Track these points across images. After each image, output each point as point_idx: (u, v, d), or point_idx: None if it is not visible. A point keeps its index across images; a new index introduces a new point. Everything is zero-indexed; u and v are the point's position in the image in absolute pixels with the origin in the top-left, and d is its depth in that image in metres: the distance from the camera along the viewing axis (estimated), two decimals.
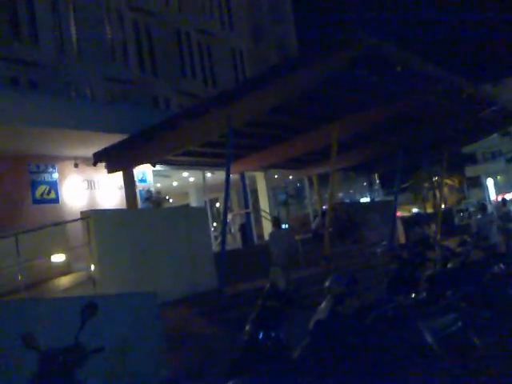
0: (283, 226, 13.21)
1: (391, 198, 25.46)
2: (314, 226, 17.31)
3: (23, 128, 11.34)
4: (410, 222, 20.14)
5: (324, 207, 18.85)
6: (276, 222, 11.21)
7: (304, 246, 13.70)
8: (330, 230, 12.96)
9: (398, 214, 21.33)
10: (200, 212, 12.33)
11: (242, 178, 17.05)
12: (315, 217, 18.99)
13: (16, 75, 18.14)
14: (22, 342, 2.99)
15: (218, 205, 22.31)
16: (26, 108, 11.30)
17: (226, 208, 10.75)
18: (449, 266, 6.87)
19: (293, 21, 32.54)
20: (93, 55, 20.57)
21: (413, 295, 4.67)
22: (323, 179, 20.14)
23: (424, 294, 4.70)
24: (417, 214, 30.14)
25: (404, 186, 27.19)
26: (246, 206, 17.46)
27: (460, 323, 4.55)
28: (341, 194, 24.76)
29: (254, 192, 19.33)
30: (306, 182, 21.66)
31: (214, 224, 19.98)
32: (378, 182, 29.23)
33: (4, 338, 4.20)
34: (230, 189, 10.83)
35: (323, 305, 4.81)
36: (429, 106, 12.69)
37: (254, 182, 19.10)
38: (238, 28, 28.60)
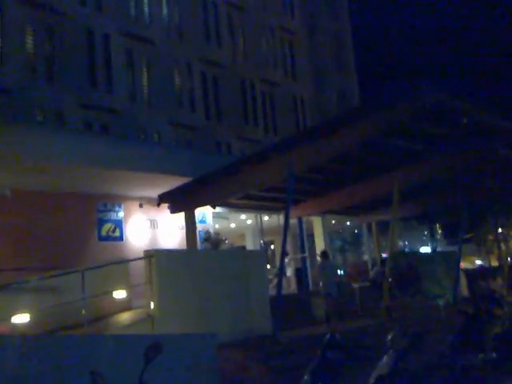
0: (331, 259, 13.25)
1: (454, 248, 24.49)
2: (372, 274, 16.88)
3: (93, 170, 11.98)
4: (474, 275, 19.24)
5: (383, 255, 18.41)
6: (323, 255, 11.86)
7: (362, 294, 13.39)
8: (390, 279, 12.62)
9: (461, 265, 20.42)
10: (258, 255, 12.38)
11: (300, 222, 17.05)
12: (373, 265, 18.55)
13: (90, 120, 19.40)
14: (90, 378, 3.08)
15: (272, 247, 22.29)
16: (98, 151, 11.98)
17: (284, 252, 10.77)
18: None
19: (354, 70, 33.00)
20: (162, 102, 21.75)
21: (481, 355, 4.45)
22: (382, 226, 19.77)
23: (494, 355, 4.46)
24: (481, 267, 28.73)
25: (467, 236, 26.13)
26: (303, 251, 17.36)
27: None
28: (401, 243, 24.10)
29: (310, 236, 19.22)
30: (365, 229, 21.30)
31: (268, 266, 19.93)
32: (439, 231, 28.20)
33: (69, 372, 4.35)
34: (288, 233, 10.86)
35: (385, 359, 4.68)
36: (494, 156, 12.33)
37: (310, 226, 19.02)
38: (300, 77, 29.34)
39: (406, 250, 24.26)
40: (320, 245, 18.86)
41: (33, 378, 4.13)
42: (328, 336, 4.82)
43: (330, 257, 13.18)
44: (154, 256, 8.82)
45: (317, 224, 19.03)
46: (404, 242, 25.85)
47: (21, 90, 17.40)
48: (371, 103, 10.51)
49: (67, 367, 4.33)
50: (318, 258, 13.64)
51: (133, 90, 21.32)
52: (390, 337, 4.84)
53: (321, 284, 11.36)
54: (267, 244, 19.93)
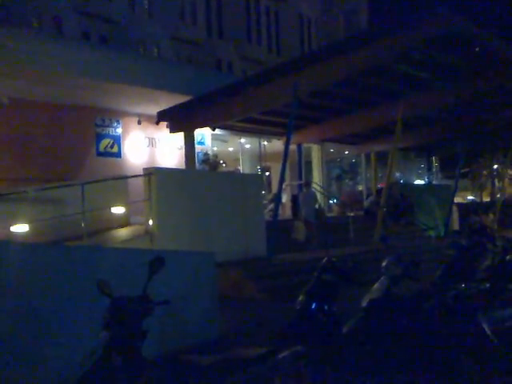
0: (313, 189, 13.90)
1: (449, 182, 24.69)
2: (366, 203, 17.08)
3: (92, 81, 11.65)
4: (466, 210, 19.56)
5: (379, 185, 18.53)
6: (306, 184, 12.98)
7: (355, 223, 13.60)
8: (385, 209, 12.78)
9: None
10: (255, 179, 12.40)
11: (299, 149, 16.93)
12: (368, 195, 18.71)
13: (88, 29, 18.62)
14: (96, 287, 3.12)
15: (267, 174, 22.27)
16: (96, 62, 11.60)
17: (283, 177, 10.75)
18: (508, 258, 6.65)
19: None
20: (163, 15, 20.83)
21: (474, 284, 4.59)
22: (379, 157, 19.71)
23: (487, 285, 4.61)
24: (473, 202, 29.13)
25: (463, 171, 26.29)
26: (300, 178, 17.38)
27: None
28: (397, 174, 24.21)
29: (308, 164, 19.19)
30: (363, 159, 21.27)
31: (263, 192, 19.97)
32: (436, 164, 28.29)
33: (75, 280, 4.46)
34: (288, 159, 10.79)
35: (378, 284, 4.80)
36: (502, 90, 12.09)
37: (308, 153, 18.96)
38: None
39: (402, 181, 24.43)
40: (317, 173, 18.90)
41: (38, 286, 4.22)
42: (325, 259, 4.92)
43: (312, 187, 13.85)
44: (154, 174, 8.79)
45: (315, 152, 18.95)
46: (400, 173, 25.99)
47: None
48: (383, 27, 10.10)
49: (73, 276, 4.42)
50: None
51: (133, 0, 20.32)
52: (384, 263, 4.93)
53: (303, 211, 12.01)
54: (263, 170, 19.88)
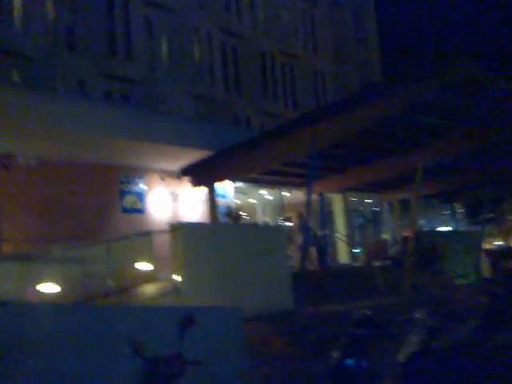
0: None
1: (474, 228, 24.21)
2: (393, 252, 16.77)
3: (115, 140, 11.97)
4: (496, 255, 19.00)
5: (403, 234, 18.25)
6: (300, 216, 13.95)
7: (382, 272, 13.30)
8: (413, 258, 12.51)
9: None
10: (279, 230, 12.37)
11: (321, 199, 16.91)
12: (393, 244, 18.42)
13: (110, 89, 19.32)
14: (130, 347, 3.10)
15: (289, 224, 22.17)
16: (119, 121, 11.95)
17: (307, 228, 10.72)
18: None
19: (377, 43, 32.23)
20: (182, 73, 21.57)
21: None
22: (403, 205, 19.55)
23: None
24: (502, 247, 28.34)
25: (488, 216, 25.86)
26: (324, 228, 17.27)
27: None
28: (421, 221, 23.91)
29: (330, 214, 19.12)
30: (386, 207, 21.10)
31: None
32: (460, 210, 27.88)
33: (106, 340, 4.40)
34: (311, 209, 10.79)
35: (415, 337, 4.63)
36: None
37: (330, 203, 18.92)
38: (321, 50, 28.85)
39: (426, 228, 24.04)
40: (340, 222, 18.78)
41: (68, 346, 4.17)
42: (357, 312, 4.79)
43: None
44: (180, 229, 8.84)
45: (337, 201, 18.92)
46: (424, 220, 25.63)
47: (42, 58, 17.34)
48: (397, 78, 10.26)
49: (104, 336, 4.36)
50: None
51: (152, 60, 21.18)
52: (418, 314, 4.78)
53: (297, 239, 13.13)
54: (285, 220, 19.87)
